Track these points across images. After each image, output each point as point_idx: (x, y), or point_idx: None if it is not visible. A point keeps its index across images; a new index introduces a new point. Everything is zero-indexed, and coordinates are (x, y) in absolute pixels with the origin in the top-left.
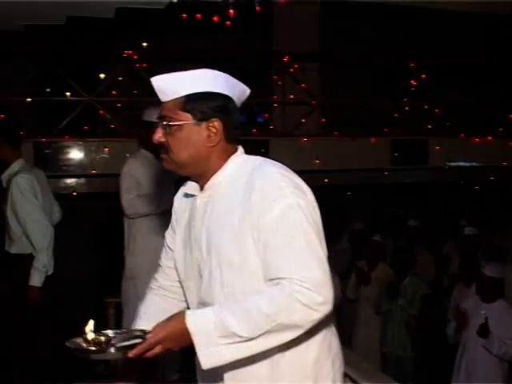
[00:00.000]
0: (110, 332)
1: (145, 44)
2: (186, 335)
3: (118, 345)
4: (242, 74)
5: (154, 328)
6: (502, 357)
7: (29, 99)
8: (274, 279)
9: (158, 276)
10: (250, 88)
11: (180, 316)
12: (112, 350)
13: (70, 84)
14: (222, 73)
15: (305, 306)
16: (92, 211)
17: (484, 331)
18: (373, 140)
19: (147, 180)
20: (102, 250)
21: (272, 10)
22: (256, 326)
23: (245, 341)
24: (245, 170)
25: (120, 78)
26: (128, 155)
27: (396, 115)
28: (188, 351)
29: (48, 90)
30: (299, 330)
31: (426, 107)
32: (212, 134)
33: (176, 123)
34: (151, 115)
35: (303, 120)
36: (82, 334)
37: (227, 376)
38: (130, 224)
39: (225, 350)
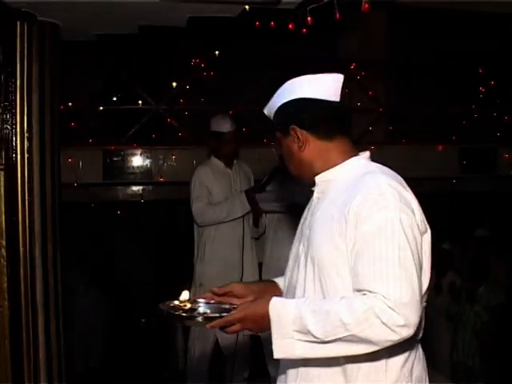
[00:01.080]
0: (201, 301)
1: (217, 52)
2: (265, 320)
3: (200, 315)
4: None
5: (239, 306)
6: None
7: (101, 107)
8: (360, 290)
9: None
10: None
11: (265, 300)
12: (199, 318)
13: (138, 92)
14: (300, 77)
15: (383, 324)
16: (159, 218)
17: None
18: (440, 148)
19: (217, 188)
20: (167, 258)
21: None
22: (331, 331)
23: (317, 342)
24: (358, 173)
25: (187, 87)
26: (195, 163)
27: (464, 122)
28: (258, 359)
29: (115, 98)
30: (373, 346)
31: (495, 114)
32: (299, 142)
33: (277, 141)
34: (219, 125)
35: (370, 128)
36: (177, 300)
37: (301, 376)
38: (199, 232)
39: (297, 345)
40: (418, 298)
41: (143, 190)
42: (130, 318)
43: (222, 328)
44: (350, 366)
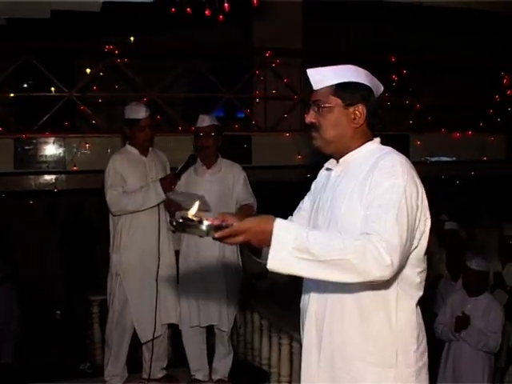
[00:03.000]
0: (210, 214)
1: (132, 38)
2: (267, 234)
3: (210, 224)
4: (223, 69)
5: (245, 219)
6: (483, 349)
7: (11, 94)
8: (363, 233)
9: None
10: (232, 83)
11: (271, 218)
12: (203, 227)
13: (50, 79)
14: (362, 69)
15: (374, 259)
16: (73, 208)
17: (462, 323)
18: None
19: (132, 177)
20: (82, 247)
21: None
22: (328, 250)
23: (312, 260)
24: (375, 154)
25: (101, 74)
26: (109, 151)
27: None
28: (175, 350)
29: (26, 85)
30: (358, 277)
31: (407, 102)
32: (357, 117)
33: (328, 105)
34: (134, 112)
35: (285, 115)
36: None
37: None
38: (115, 221)
39: (292, 261)
40: (404, 249)
41: (56, 179)
42: (43, 311)
43: (226, 238)
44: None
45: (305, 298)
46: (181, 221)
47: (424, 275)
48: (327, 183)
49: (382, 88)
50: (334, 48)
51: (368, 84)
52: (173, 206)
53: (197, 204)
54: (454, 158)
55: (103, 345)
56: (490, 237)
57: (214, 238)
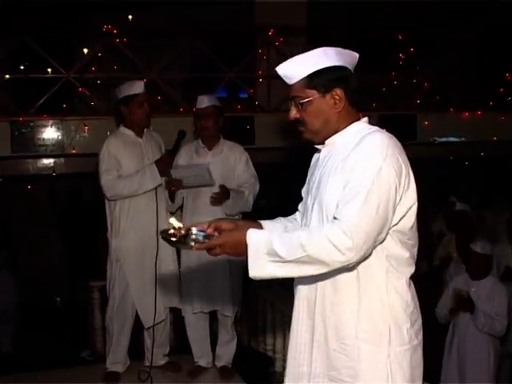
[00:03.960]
0: (194, 229)
1: (130, 17)
2: (242, 246)
3: (187, 239)
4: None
5: (222, 233)
6: (489, 332)
7: (7, 76)
8: (334, 217)
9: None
10: (234, 62)
11: (243, 230)
12: (190, 242)
13: (47, 60)
14: (331, 48)
15: (334, 246)
16: (73, 192)
17: (468, 306)
18: (361, 115)
19: (128, 159)
20: (83, 232)
21: None
22: (291, 251)
23: (282, 261)
24: (360, 134)
25: (100, 54)
26: (109, 133)
27: (384, 90)
28: (177, 336)
29: (22, 67)
30: (326, 267)
31: (415, 81)
32: (337, 102)
33: (306, 100)
34: (130, 88)
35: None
36: (172, 227)
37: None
38: (111, 206)
39: (268, 266)
40: (370, 231)
41: (55, 162)
42: (43, 299)
43: (207, 251)
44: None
45: (296, 285)
46: (166, 236)
47: (414, 251)
48: (317, 165)
49: (357, 55)
50: (339, 25)
51: (340, 64)
52: (173, 186)
53: (173, 220)
54: (463, 139)
55: (104, 332)
56: (500, 219)
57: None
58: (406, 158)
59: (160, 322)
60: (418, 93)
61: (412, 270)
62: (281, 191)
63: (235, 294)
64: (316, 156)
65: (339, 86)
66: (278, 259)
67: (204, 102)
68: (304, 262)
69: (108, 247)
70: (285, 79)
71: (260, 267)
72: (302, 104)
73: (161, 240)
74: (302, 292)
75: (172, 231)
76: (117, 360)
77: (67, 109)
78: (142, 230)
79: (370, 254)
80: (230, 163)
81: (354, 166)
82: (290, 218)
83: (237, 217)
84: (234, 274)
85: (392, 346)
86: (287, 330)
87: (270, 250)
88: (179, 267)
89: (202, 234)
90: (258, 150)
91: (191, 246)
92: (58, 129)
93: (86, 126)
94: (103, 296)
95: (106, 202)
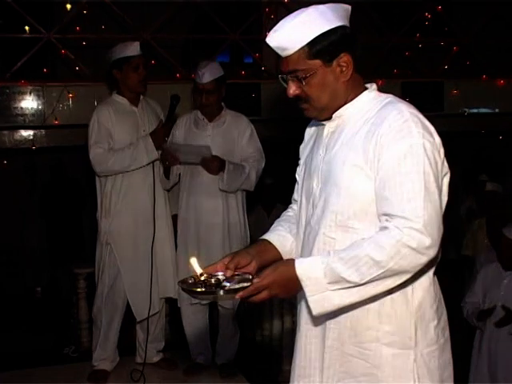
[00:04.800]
0: (220, 274)
1: None
2: (294, 281)
3: (227, 288)
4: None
5: (263, 272)
6: None
7: None
8: (387, 214)
9: (290, 208)
10: (237, 23)
11: (289, 262)
12: (221, 292)
13: (24, 18)
14: (323, 6)
15: (413, 250)
16: (55, 168)
17: (504, 322)
18: (380, 82)
19: (121, 131)
20: (67, 213)
21: None
22: (366, 272)
23: (353, 286)
24: (375, 104)
25: (85, 12)
26: (96, 102)
27: (407, 54)
28: (173, 330)
29: None
30: (407, 274)
31: (442, 44)
32: (344, 69)
33: (309, 73)
34: (125, 49)
35: None
36: (194, 275)
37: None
38: (102, 182)
39: (334, 295)
40: (440, 218)
41: (35, 134)
42: (22, 288)
43: (249, 297)
44: (384, 299)
45: None
46: (193, 289)
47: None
48: (318, 142)
49: (349, 8)
50: None
51: (339, 23)
52: (170, 158)
53: (195, 262)
54: (496, 110)
55: (90, 325)
56: None
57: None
58: (434, 129)
59: (154, 314)
60: (445, 57)
61: (438, 259)
62: (289, 169)
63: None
64: (313, 130)
65: (345, 51)
66: (348, 285)
67: (205, 76)
68: (382, 279)
69: (97, 229)
70: (278, 51)
71: (326, 301)
72: (303, 78)
73: (157, 221)
74: None
75: (193, 280)
76: (105, 356)
77: (48, 74)
78: (136, 210)
79: None
80: (233, 136)
81: (390, 147)
82: (285, 216)
83: (239, 195)
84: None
85: (418, 347)
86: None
87: (334, 277)
88: (176, 251)
89: (228, 278)
90: (264, 121)
91: (232, 296)
92: (38, 96)
93: (69, 93)
94: (90, 284)
95: (97, 178)
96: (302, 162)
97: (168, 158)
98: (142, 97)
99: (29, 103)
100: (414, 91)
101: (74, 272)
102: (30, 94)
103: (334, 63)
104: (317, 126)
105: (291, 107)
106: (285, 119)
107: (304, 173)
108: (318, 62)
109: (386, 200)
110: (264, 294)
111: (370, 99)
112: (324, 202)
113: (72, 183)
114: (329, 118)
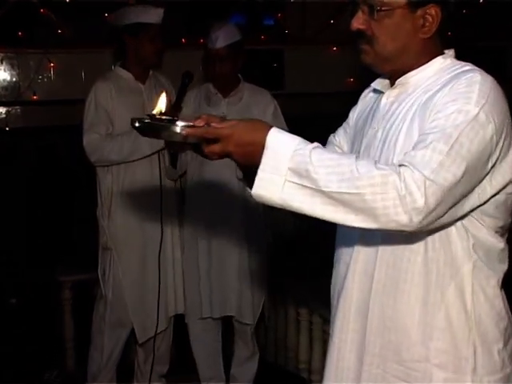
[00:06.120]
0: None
1: None
2: (257, 147)
3: (176, 123)
4: None
5: (229, 122)
6: None
7: None
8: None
9: None
10: None
11: (264, 125)
12: (177, 128)
13: None
14: None
15: (398, 196)
16: (44, 150)
17: None
18: None
19: (124, 113)
20: (49, 207)
21: None
22: (335, 181)
23: (311, 189)
24: (448, 73)
25: None
26: (83, 74)
27: (464, 12)
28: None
29: None
30: (373, 222)
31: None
32: (427, 24)
33: (387, 8)
34: (144, 15)
35: (331, 21)
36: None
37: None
38: (102, 173)
39: (285, 186)
40: (448, 196)
41: (8, 112)
42: None
43: (198, 147)
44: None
45: (339, 271)
46: (147, 121)
47: (505, 239)
48: (376, 111)
49: None
50: None
51: None
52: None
53: (163, 98)
54: None
55: (77, 344)
56: None
57: (182, 144)
58: (509, 115)
59: (160, 333)
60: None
61: (505, 267)
62: None
63: (257, 293)
64: (369, 98)
65: (437, 4)
66: (306, 183)
67: (219, 40)
68: (345, 201)
69: (98, 229)
70: None
71: (273, 184)
72: (377, 10)
73: (165, 224)
74: (348, 283)
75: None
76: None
77: (25, 38)
78: (139, 209)
79: (449, 242)
80: (253, 115)
81: (442, 108)
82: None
83: None
84: (255, 265)
85: (478, 374)
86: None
87: (299, 165)
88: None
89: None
90: (288, 96)
91: (176, 133)
92: (12, 66)
93: (50, 62)
94: (77, 295)
95: (96, 172)
96: (348, 127)
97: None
98: (151, 72)
99: (0, 74)
100: (472, 58)
101: (59, 280)
102: (2, 62)
103: (419, 12)
104: (374, 93)
105: (322, 78)
106: (314, 93)
107: (352, 145)
108: (403, 3)
109: (411, 150)
110: (217, 147)
111: (443, 68)
112: None
113: (64, 171)
114: (388, 78)
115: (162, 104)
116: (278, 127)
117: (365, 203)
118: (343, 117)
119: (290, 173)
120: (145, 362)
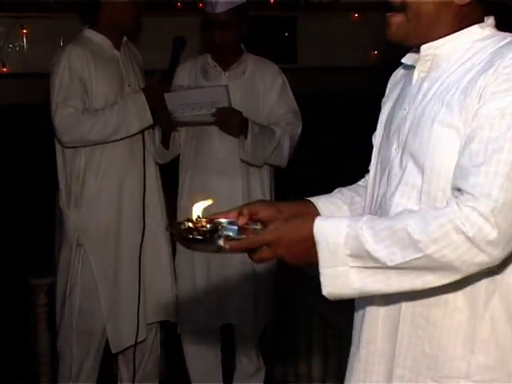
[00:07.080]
0: (223, 221)
1: None
2: (307, 243)
3: (224, 235)
4: None
5: (270, 225)
6: None
7: None
8: (458, 189)
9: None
10: None
11: (306, 219)
12: (219, 242)
13: None
14: None
15: (468, 240)
16: (6, 137)
17: None
18: None
19: (100, 84)
20: (20, 199)
21: None
22: (398, 252)
23: (379, 267)
24: (488, 45)
25: None
26: (62, 41)
27: None
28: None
29: None
30: (455, 274)
31: None
32: None
33: None
34: None
35: None
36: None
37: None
38: (70, 156)
39: (353, 275)
40: None
41: None
42: None
43: (248, 253)
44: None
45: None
46: (190, 236)
47: None
48: (404, 93)
49: None
50: None
51: None
52: (170, 122)
53: (201, 205)
54: None
55: (53, 359)
56: None
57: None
58: None
59: (141, 342)
60: None
61: None
62: (338, 135)
63: (262, 297)
64: (399, 77)
65: None
66: (370, 263)
67: (219, 4)
68: (416, 267)
69: (62, 223)
70: None
71: (342, 279)
72: None
73: (148, 216)
74: (374, 298)
75: (187, 225)
76: None
77: None
78: (119, 198)
79: None
80: (258, 90)
81: (488, 100)
82: (354, 186)
83: (265, 174)
84: (259, 265)
85: None
86: (345, 358)
87: (356, 248)
88: (174, 255)
89: (236, 228)
90: (301, 71)
91: (220, 247)
92: None
93: (23, 28)
94: (53, 301)
95: (58, 149)
96: (381, 119)
97: (169, 119)
98: (125, 38)
99: None
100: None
101: (31, 284)
102: None
103: None
104: (405, 70)
105: (341, 51)
106: (331, 68)
107: (382, 134)
108: None
109: (462, 169)
110: (265, 253)
111: (481, 38)
112: (401, 173)
113: (27, 158)
114: (416, 51)
115: (199, 208)
116: (285, 104)
117: (436, 261)
118: (365, 96)
119: (351, 259)
120: (129, 380)
